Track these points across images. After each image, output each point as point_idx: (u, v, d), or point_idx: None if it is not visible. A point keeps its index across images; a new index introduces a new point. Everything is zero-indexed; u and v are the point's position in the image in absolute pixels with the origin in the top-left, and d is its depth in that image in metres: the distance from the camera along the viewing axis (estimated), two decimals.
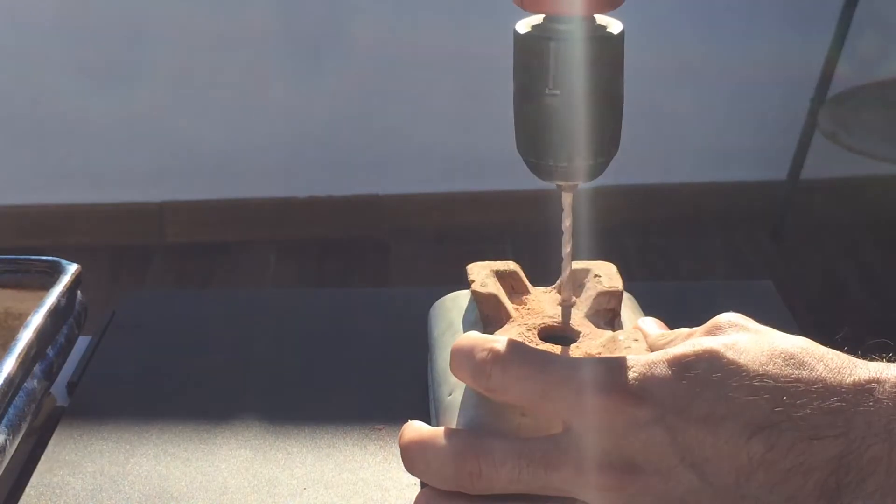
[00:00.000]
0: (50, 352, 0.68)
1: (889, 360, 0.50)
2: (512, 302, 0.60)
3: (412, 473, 0.51)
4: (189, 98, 2.48)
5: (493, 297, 0.59)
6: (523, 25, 0.52)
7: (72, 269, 0.71)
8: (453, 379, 0.54)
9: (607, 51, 0.52)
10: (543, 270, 0.70)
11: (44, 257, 0.73)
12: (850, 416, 0.47)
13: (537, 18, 0.52)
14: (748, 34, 2.45)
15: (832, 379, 0.48)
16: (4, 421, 0.61)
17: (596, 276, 0.62)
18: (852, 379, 0.48)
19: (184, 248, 2.52)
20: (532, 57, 0.52)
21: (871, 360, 0.49)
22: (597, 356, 0.54)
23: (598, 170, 0.53)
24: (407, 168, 2.54)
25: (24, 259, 0.73)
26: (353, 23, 2.43)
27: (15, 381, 0.62)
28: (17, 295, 0.72)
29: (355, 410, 0.68)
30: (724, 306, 0.54)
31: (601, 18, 0.52)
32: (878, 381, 0.48)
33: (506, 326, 0.58)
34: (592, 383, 0.48)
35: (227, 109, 2.49)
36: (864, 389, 0.47)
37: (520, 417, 0.51)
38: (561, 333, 0.58)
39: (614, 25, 0.52)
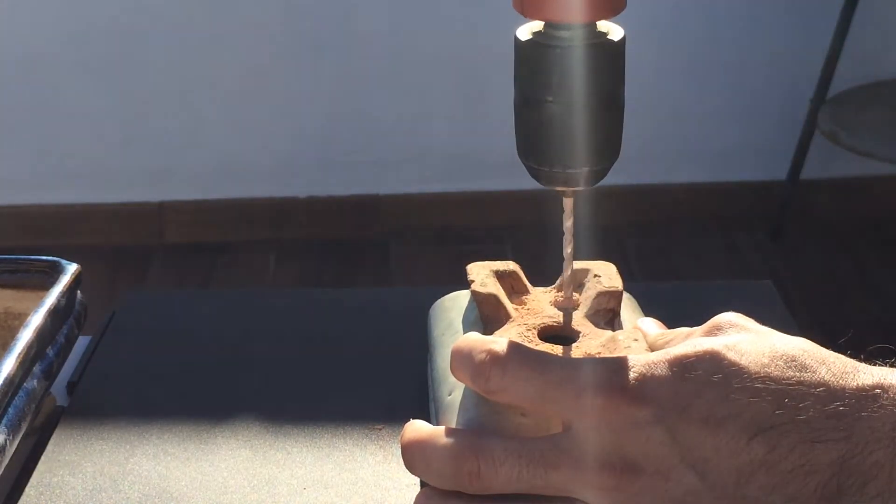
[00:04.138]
0: (50, 352, 0.68)
1: (892, 365, 0.49)
2: (512, 302, 0.60)
3: (412, 473, 0.51)
4: (189, 98, 2.48)
5: (493, 297, 0.59)
6: (524, 32, 0.52)
7: (72, 269, 0.71)
8: (453, 379, 0.54)
9: (608, 57, 0.52)
10: (543, 270, 0.70)
11: (44, 257, 0.73)
12: (853, 421, 0.47)
13: (538, 24, 0.52)
14: (748, 34, 2.45)
15: (835, 382, 0.48)
16: (4, 421, 0.61)
17: (596, 276, 0.61)
18: (856, 383, 0.48)
19: (184, 248, 2.52)
20: (533, 63, 0.52)
21: (874, 364, 0.49)
22: (596, 356, 0.54)
23: (598, 176, 0.53)
24: (407, 168, 2.54)
25: (24, 259, 0.73)
26: (354, 22, 2.43)
27: (15, 381, 0.62)
28: (17, 295, 0.72)
29: (355, 410, 0.68)
30: (724, 306, 0.54)
31: (602, 25, 0.52)
32: (882, 387, 0.48)
33: (505, 326, 0.58)
34: (592, 383, 0.48)
35: (227, 109, 2.49)
36: (869, 395, 0.47)
37: (520, 417, 0.51)
38: (561, 333, 0.58)
39: (615, 32, 0.52)
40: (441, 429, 0.51)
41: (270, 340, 0.76)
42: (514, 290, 0.61)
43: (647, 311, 0.62)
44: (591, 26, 0.51)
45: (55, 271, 0.71)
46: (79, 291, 0.73)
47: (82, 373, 0.73)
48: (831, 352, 0.50)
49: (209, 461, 0.64)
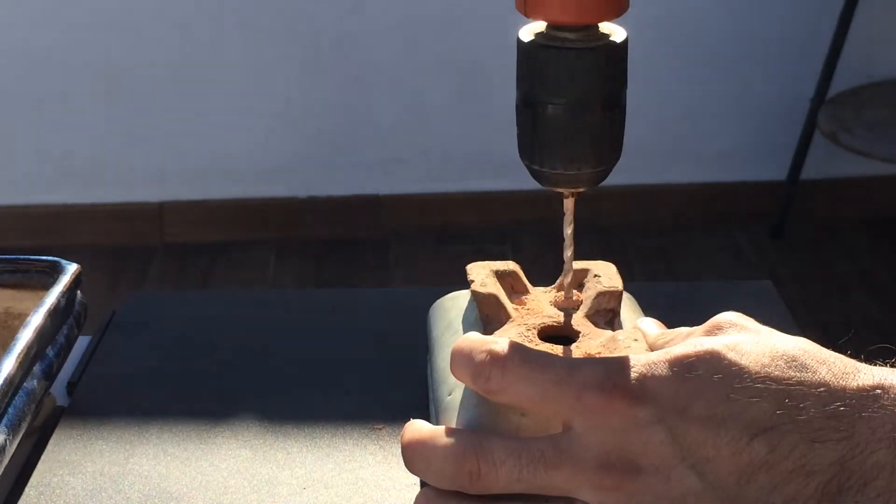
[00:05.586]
0: (50, 352, 0.68)
1: (892, 365, 0.49)
2: (512, 302, 0.60)
3: (412, 473, 0.51)
4: (189, 98, 2.48)
5: (493, 297, 0.59)
6: (527, 33, 0.52)
7: (72, 269, 0.71)
8: (453, 379, 0.54)
9: (611, 59, 0.51)
10: (543, 270, 0.70)
11: (44, 257, 0.73)
12: (854, 421, 0.47)
13: (540, 25, 0.52)
14: (748, 34, 2.45)
15: (835, 383, 0.48)
16: (4, 421, 0.61)
17: (595, 275, 0.61)
18: (857, 384, 0.48)
19: (184, 248, 2.52)
20: (535, 65, 0.51)
21: (874, 364, 0.49)
22: (596, 356, 0.54)
23: (600, 177, 0.53)
24: (407, 168, 2.54)
25: (24, 259, 0.73)
26: (354, 22, 2.43)
27: (15, 381, 0.62)
28: (17, 295, 0.72)
29: (355, 410, 0.68)
30: (724, 306, 0.54)
31: (604, 26, 0.52)
32: (882, 388, 0.47)
33: (505, 326, 0.58)
34: (592, 383, 0.48)
35: (227, 109, 2.49)
36: (869, 395, 0.47)
37: (520, 417, 0.51)
38: (561, 333, 0.58)
39: (618, 33, 0.52)
40: (441, 429, 0.51)
41: (271, 340, 0.76)
42: (514, 290, 0.61)
43: (647, 311, 0.62)
44: (594, 28, 0.51)
45: (55, 271, 0.71)
46: (79, 291, 0.73)
47: (82, 373, 0.73)
48: (831, 352, 0.50)
49: (209, 461, 0.64)
